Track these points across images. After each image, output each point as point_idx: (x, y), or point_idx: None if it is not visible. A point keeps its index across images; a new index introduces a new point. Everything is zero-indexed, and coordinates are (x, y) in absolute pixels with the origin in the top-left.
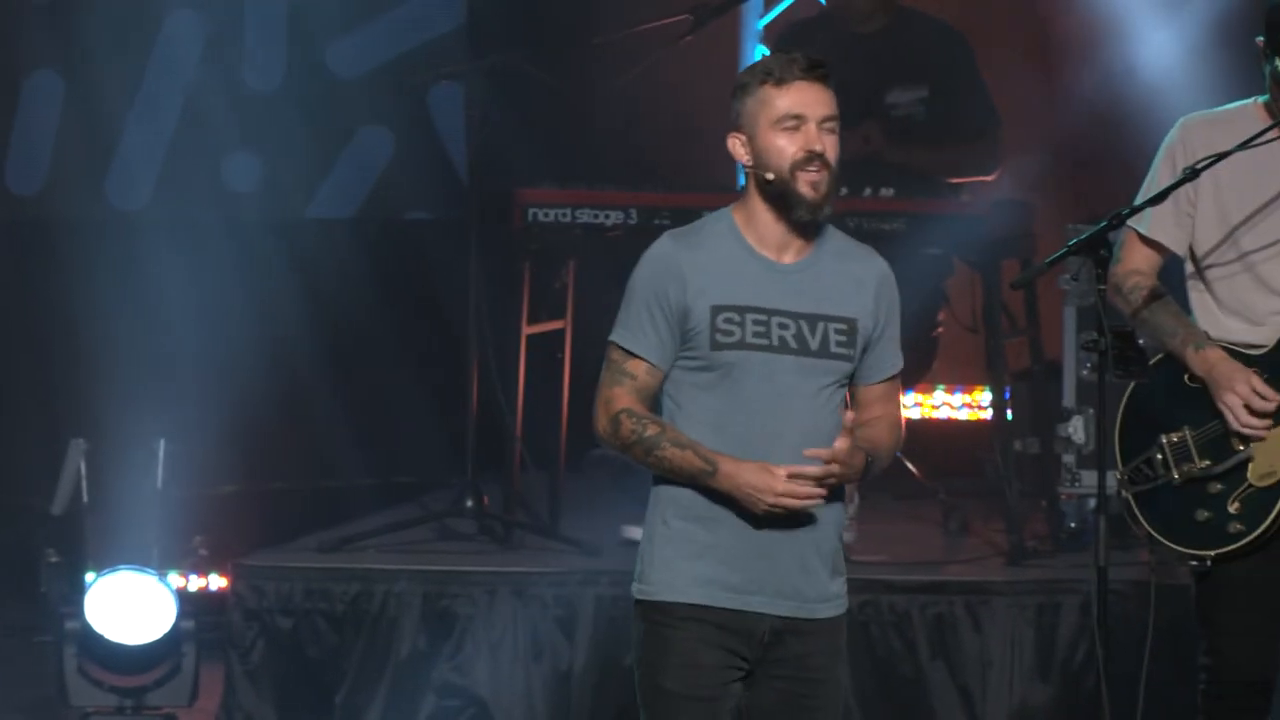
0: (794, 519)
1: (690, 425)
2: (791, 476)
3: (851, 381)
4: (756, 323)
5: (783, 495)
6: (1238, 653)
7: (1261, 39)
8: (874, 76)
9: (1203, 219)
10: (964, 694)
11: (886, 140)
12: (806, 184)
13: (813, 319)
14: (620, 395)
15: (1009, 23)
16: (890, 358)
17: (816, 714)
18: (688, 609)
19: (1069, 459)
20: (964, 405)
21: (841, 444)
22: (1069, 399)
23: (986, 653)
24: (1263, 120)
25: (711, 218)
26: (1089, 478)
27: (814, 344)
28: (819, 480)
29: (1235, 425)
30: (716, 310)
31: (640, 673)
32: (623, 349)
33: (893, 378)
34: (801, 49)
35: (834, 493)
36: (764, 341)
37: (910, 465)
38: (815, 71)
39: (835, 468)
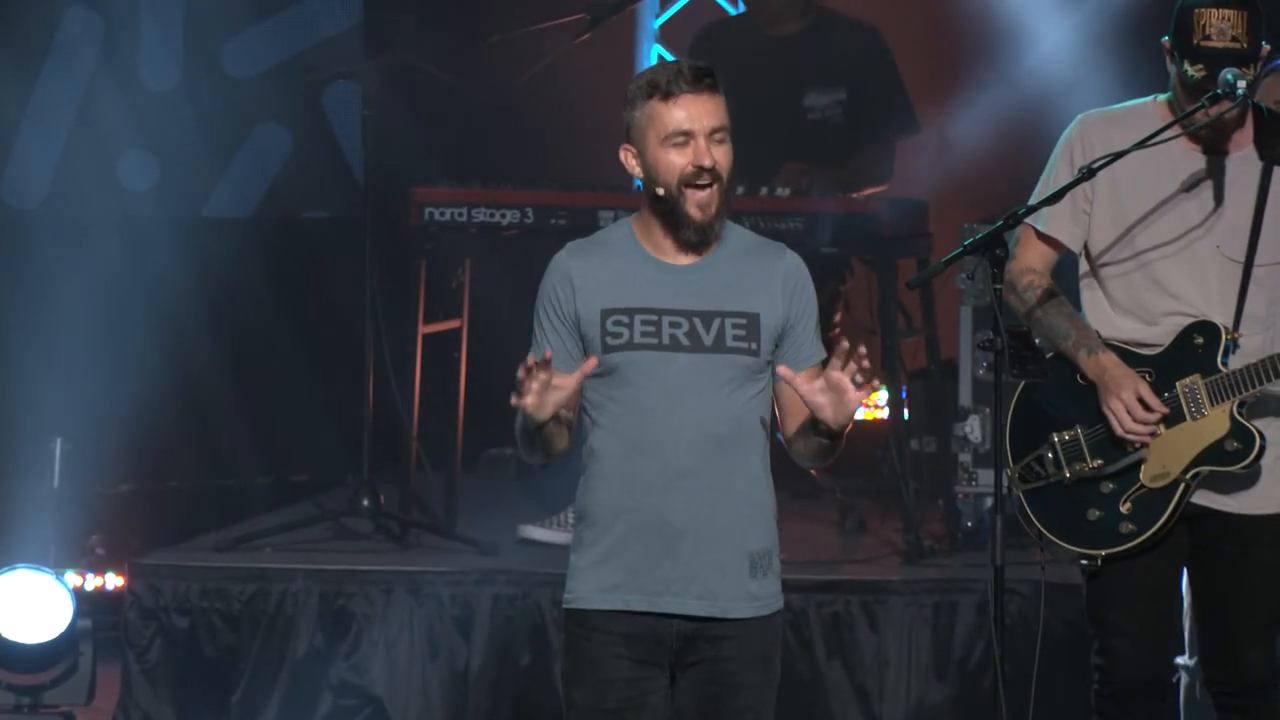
0: (702, 516)
1: (598, 429)
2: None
3: (778, 380)
4: (645, 323)
5: None
6: (1130, 652)
7: (1168, 39)
8: (791, 79)
9: (1099, 217)
10: (861, 693)
11: (808, 171)
12: (694, 205)
13: (708, 315)
14: None
15: (905, 20)
16: (808, 350)
17: (736, 719)
18: (597, 617)
19: (965, 458)
20: (860, 404)
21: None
22: (965, 398)
23: (883, 652)
24: (1163, 118)
25: (613, 226)
26: (985, 477)
27: (708, 340)
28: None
29: (1119, 431)
30: (606, 314)
31: (561, 683)
32: None
33: (816, 367)
34: (718, 52)
35: (755, 489)
36: (653, 341)
37: None
38: (702, 82)
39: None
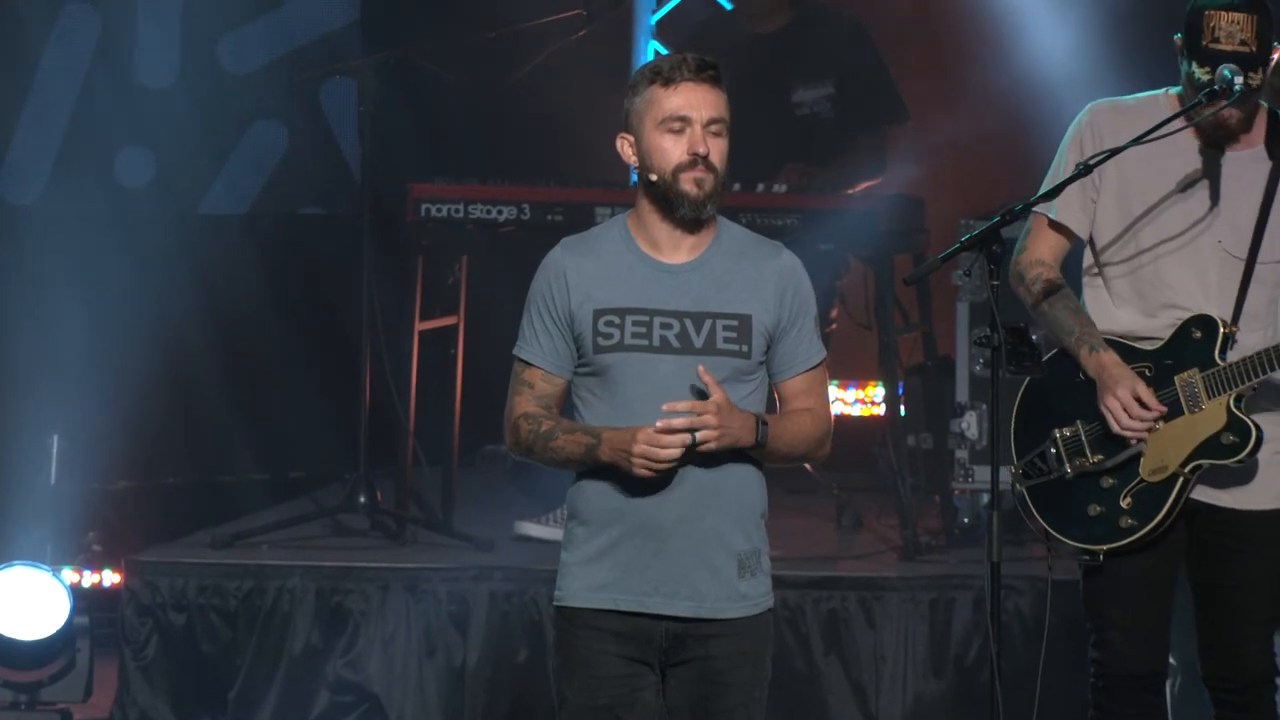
0: (691, 517)
1: None
2: (659, 431)
3: (772, 379)
4: (636, 324)
5: (641, 453)
6: (1127, 646)
7: (1179, 37)
8: (778, 76)
9: (1105, 207)
10: (858, 689)
11: (807, 170)
12: (689, 181)
13: (699, 317)
14: (519, 404)
15: (901, 17)
16: (804, 351)
17: (726, 717)
18: (587, 615)
19: (962, 454)
20: (857, 400)
21: (716, 394)
22: (962, 394)
23: (880, 648)
24: (1173, 113)
25: (607, 223)
26: (982, 473)
27: (698, 342)
28: (691, 430)
29: (1115, 428)
30: (598, 314)
31: (552, 679)
32: (520, 359)
33: (811, 370)
34: (703, 52)
35: (745, 490)
36: (643, 342)
37: None
38: (704, 73)
39: (708, 418)
